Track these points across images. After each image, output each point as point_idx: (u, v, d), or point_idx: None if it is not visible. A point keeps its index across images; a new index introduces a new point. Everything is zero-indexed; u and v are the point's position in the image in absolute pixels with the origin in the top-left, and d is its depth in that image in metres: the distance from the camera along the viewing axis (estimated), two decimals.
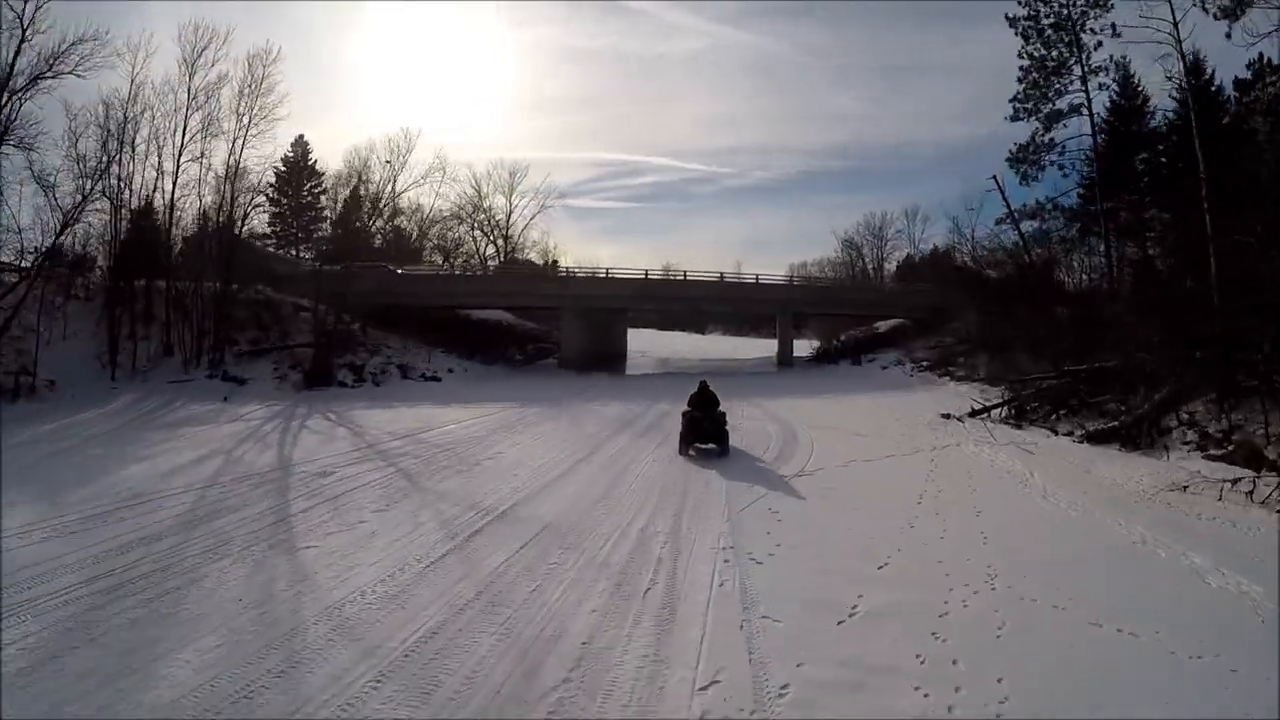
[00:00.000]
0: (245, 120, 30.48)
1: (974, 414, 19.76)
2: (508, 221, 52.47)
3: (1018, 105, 30.14)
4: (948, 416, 19.70)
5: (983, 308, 30.99)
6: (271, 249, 49.82)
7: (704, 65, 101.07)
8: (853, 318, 43.83)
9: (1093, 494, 11.25)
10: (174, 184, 29.67)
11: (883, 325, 42.80)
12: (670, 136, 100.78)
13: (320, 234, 56.73)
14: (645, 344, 62.18)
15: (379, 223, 56.42)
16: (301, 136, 57.40)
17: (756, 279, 38.90)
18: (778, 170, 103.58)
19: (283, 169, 56.29)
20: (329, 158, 55.26)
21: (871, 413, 21.08)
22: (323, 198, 56.88)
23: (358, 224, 53.50)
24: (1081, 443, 15.99)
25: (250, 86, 30.59)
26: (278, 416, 20.08)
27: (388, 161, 37.91)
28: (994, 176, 29.80)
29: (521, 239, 53.34)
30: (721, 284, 38.14)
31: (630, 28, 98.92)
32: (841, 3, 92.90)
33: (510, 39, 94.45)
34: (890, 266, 59.96)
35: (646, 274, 37.70)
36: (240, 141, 30.25)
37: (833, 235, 63.69)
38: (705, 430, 14.89)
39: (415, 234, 54.14)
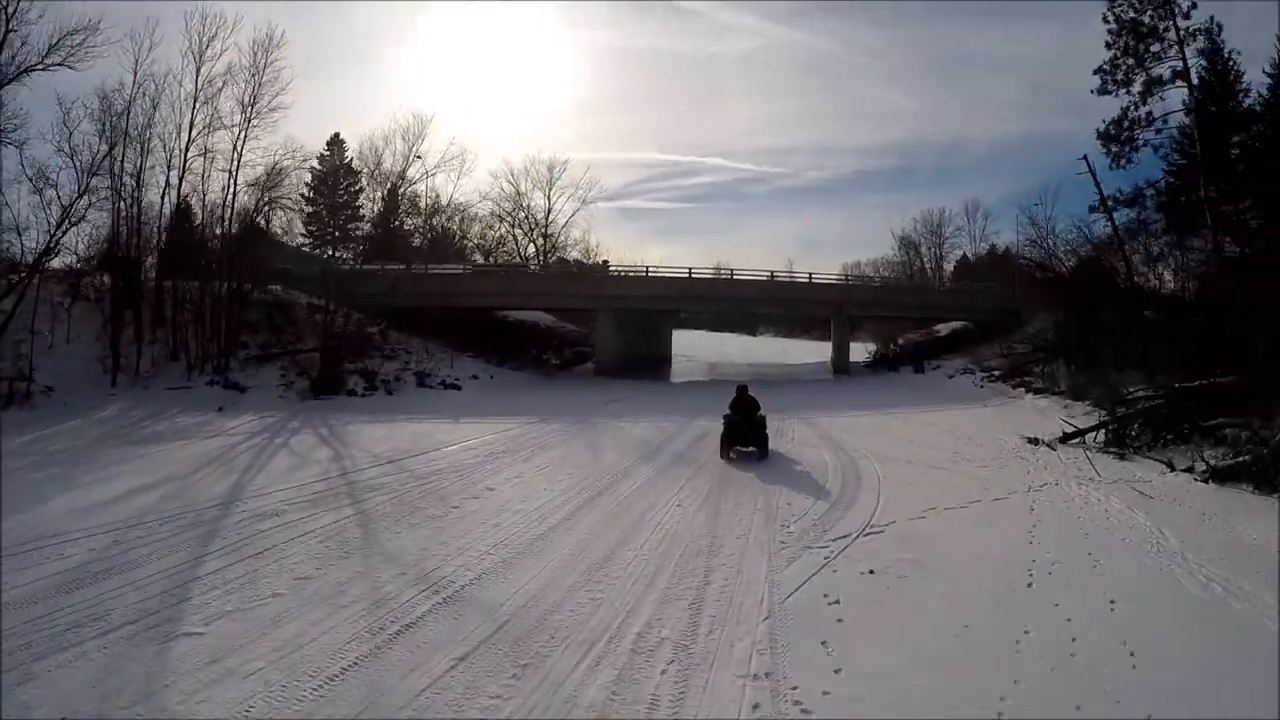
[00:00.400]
0: (249, 111, 28.70)
1: (1066, 439, 16.55)
2: (546, 219, 50.17)
3: (1105, 75, 26.49)
4: (1035, 441, 16.48)
5: (1063, 310, 27.51)
6: (307, 249, 48.56)
7: (756, 65, 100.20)
8: (911, 320, 40.58)
9: (1249, 564, 8.18)
10: (180, 179, 27.85)
11: (943, 328, 40.48)
12: (723, 137, 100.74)
13: (358, 233, 55.84)
14: (692, 346, 59.50)
15: (417, 220, 55.61)
16: (338, 135, 56.19)
17: (810, 278, 35.85)
18: (831, 170, 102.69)
19: (319, 168, 55.44)
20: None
21: (944, 435, 18.00)
22: (360, 196, 55.95)
23: (394, 223, 52.32)
24: (1205, 481, 12.77)
25: (254, 75, 28.75)
26: (265, 431, 17.94)
27: (418, 157, 36.00)
28: (1084, 157, 25.94)
29: (563, 237, 51.16)
30: (772, 284, 35.24)
31: (682, 28, 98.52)
32: (891, 1, 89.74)
33: (565, 40, 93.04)
34: (949, 266, 56.49)
35: (691, 273, 34.99)
36: (243, 132, 28.34)
37: (890, 233, 60.03)
38: (745, 434, 15.34)
39: (457, 234, 52.56)
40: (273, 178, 29.69)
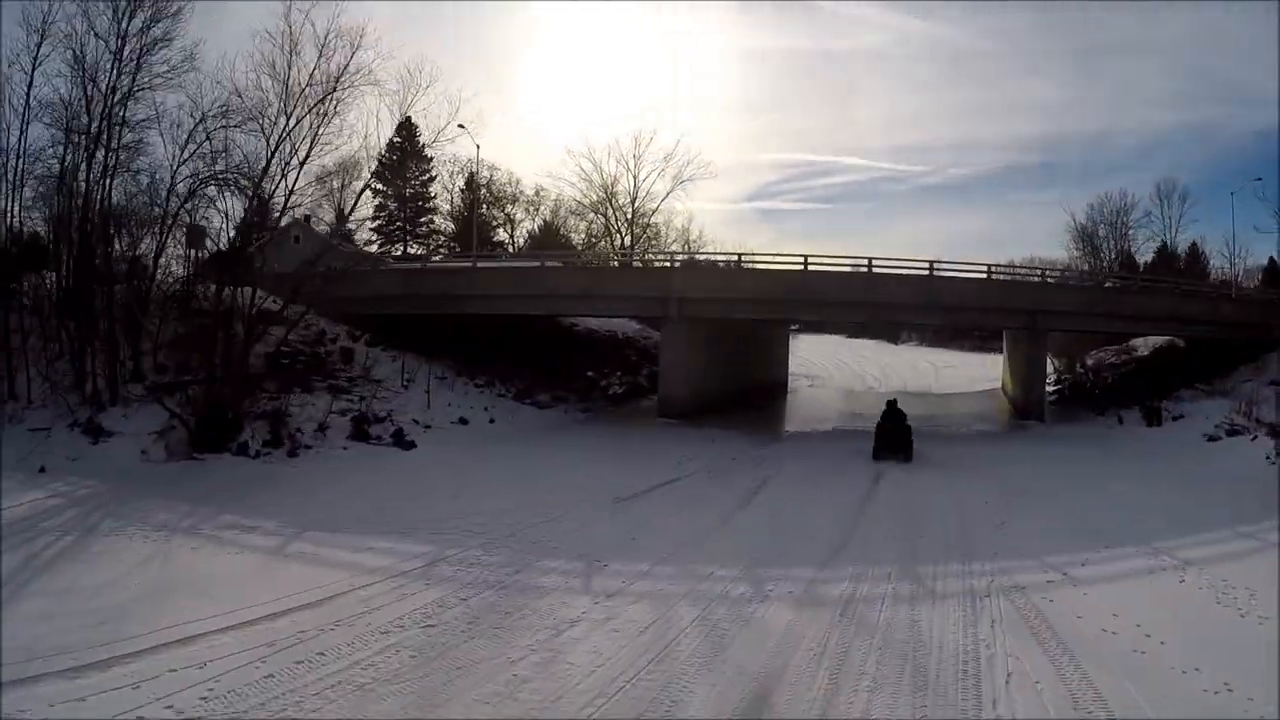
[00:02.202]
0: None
1: None
2: (633, 203, 40.07)
3: None
4: None
5: None
6: (374, 246, 41.18)
7: (888, 59, 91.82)
8: (1099, 335, 28.60)
9: None
10: None
11: (1141, 345, 31.37)
12: (858, 135, 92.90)
13: (431, 226, 48.38)
14: (815, 361, 48.13)
15: (497, 211, 47.11)
16: (409, 119, 48.55)
17: (989, 273, 24.05)
18: (974, 165, 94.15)
19: (389, 156, 48.31)
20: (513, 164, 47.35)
21: None
22: (433, 186, 48.41)
23: (465, 214, 43.89)
24: None
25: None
26: None
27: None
28: None
29: (663, 229, 41.16)
30: (931, 282, 23.34)
31: (810, 25, 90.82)
32: None
33: (693, 43, 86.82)
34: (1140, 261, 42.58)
35: (807, 263, 23.02)
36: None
37: (1069, 217, 46.13)
38: (895, 442, 17.44)
39: (550, 227, 45.13)
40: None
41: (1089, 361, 34.40)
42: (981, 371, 46.63)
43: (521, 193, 46.39)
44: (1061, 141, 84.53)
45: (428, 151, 48.01)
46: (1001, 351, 61.43)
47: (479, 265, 26.07)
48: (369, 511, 11.81)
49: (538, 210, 46.32)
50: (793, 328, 60.87)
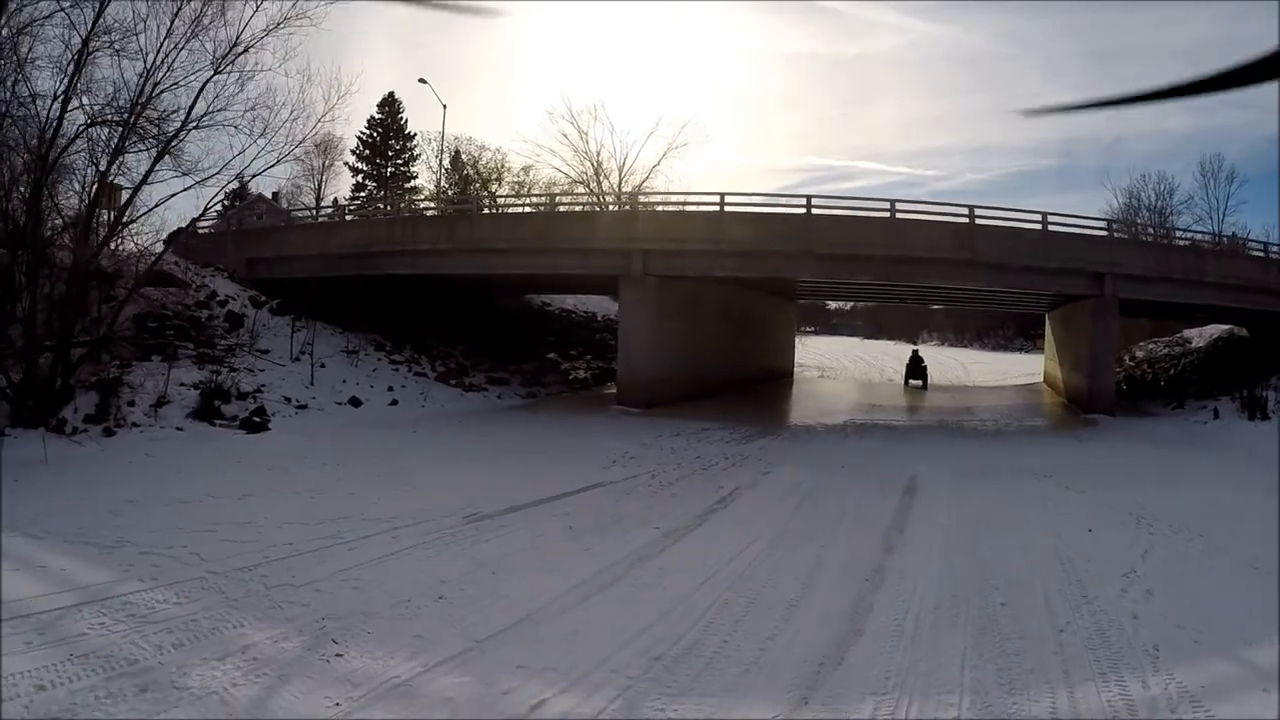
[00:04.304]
0: None
1: None
2: (621, 171, 34.92)
3: None
4: None
5: None
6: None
7: (903, 63, 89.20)
8: (1169, 311, 24.70)
9: None
10: None
11: (1194, 335, 28.48)
12: (874, 139, 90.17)
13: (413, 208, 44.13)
14: (828, 354, 42.90)
15: (483, 191, 42.19)
16: (392, 94, 45.23)
17: (1044, 222, 18.40)
18: (991, 171, 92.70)
19: (368, 133, 44.35)
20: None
21: None
22: (413, 165, 44.88)
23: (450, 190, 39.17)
24: None
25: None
26: None
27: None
28: None
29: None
30: (971, 231, 17.54)
31: (824, 28, 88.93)
32: None
33: (706, 44, 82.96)
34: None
35: (810, 206, 17.56)
36: None
37: (1106, 201, 41.22)
38: (916, 372, 28.71)
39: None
40: None
41: (1138, 354, 29.63)
42: (1012, 367, 41.72)
43: (508, 169, 41.76)
44: (1078, 146, 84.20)
45: (410, 129, 44.57)
46: (1026, 352, 58.76)
47: (403, 216, 20.80)
48: (94, 517, 7.18)
49: (529, 190, 42.01)
50: (804, 329, 57.00)
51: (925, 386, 28.18)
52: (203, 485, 8.80)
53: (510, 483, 9.47)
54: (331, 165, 44.41)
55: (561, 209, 21.72)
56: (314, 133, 23.23)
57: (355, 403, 15.68)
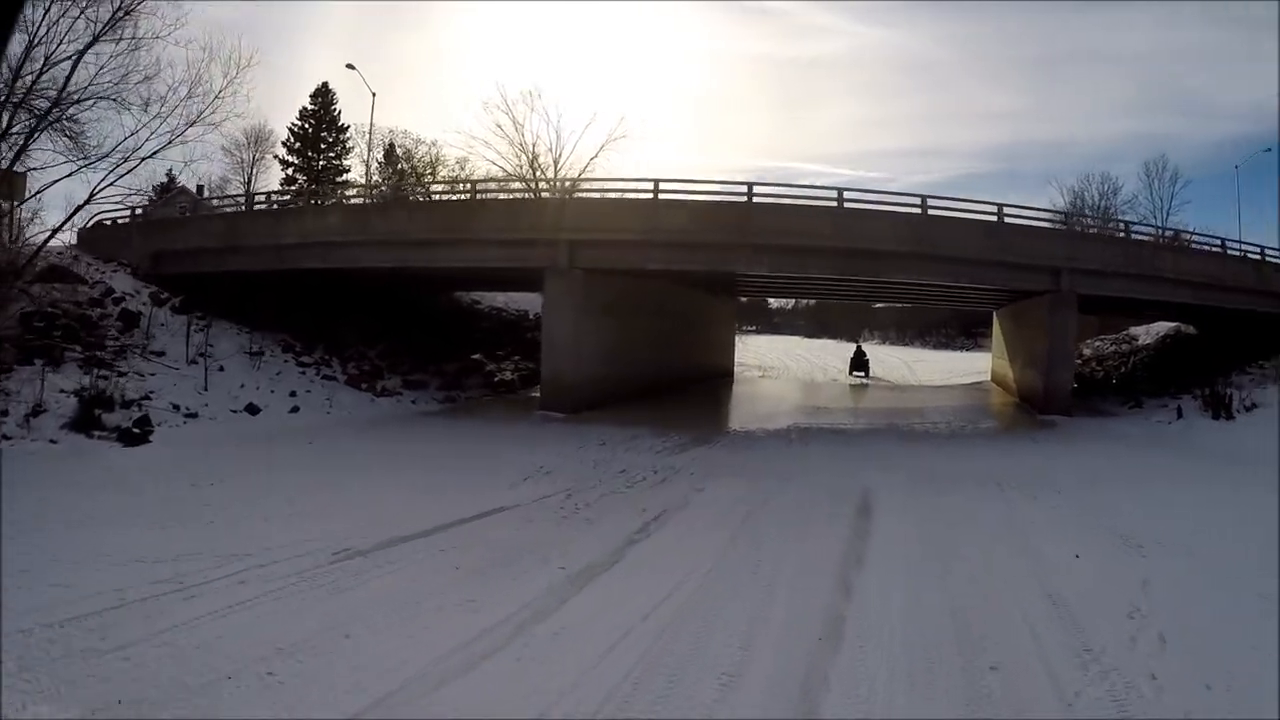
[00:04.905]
0: None
1: None
2: (556, 165, 33.25)
3: None
4: None
5: None
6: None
7: (850, 66, 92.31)
8: (1123, 307, 23.65)
9: None
10: None
11: (1143, 333, 28.31)
12: (820, 141, 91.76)
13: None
14: (769, 353, 41.97)
15: (419, 186, 40.19)
16: (326, 85, 43.03)
17: (1000, 215, 17.36)
18: (937, 173, 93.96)
19: (300, 124, 41.78)
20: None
21: None
22: (347, 158, 41.90)
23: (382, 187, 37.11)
24: None
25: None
26: None
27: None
28: None
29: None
30: (924, 223, 16.30)
31: (770, 29, 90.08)
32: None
33: (651, 44, 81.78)
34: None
35: (751, 192, 16.20)
36: None
37: (1051, 184, 41.58)
38: (859, 364, 31.17)
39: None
40: None
41: (1085, 351, 29.33)
42: (957, 365, 41.27)
43: (443, 163, 39.83)
44: (1022, 150, 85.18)
45: (343, 120, 42.49)
46: (968, 350, 58.59)
47: (315, 206, 18.98)
48: None
49: (471, 188, 40.11)
50: (746, 328, 56.40)
51: (868, 376, 31.11)
52: (37, 509, 7.19)
53: (400, 507, 8.00)
54: (263, 159, 42.54)
55: (485, 198, 19.99)
56: (211, 109, 21.32)
57: (252, 410, 13.95)
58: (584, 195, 20.47)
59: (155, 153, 24.49)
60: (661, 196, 15.93)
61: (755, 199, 16.08)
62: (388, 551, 6.53)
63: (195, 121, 23.87)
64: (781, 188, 17.48)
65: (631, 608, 5.39)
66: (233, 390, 14.40)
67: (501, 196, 21.26)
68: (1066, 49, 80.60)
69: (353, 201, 23.75)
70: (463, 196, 20.90)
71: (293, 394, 15.18)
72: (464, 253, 16.51)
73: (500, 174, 32.57)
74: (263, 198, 23.71)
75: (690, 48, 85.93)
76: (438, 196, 20.96)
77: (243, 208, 20.99)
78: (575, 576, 6.06)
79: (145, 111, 21.24)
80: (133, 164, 23.57)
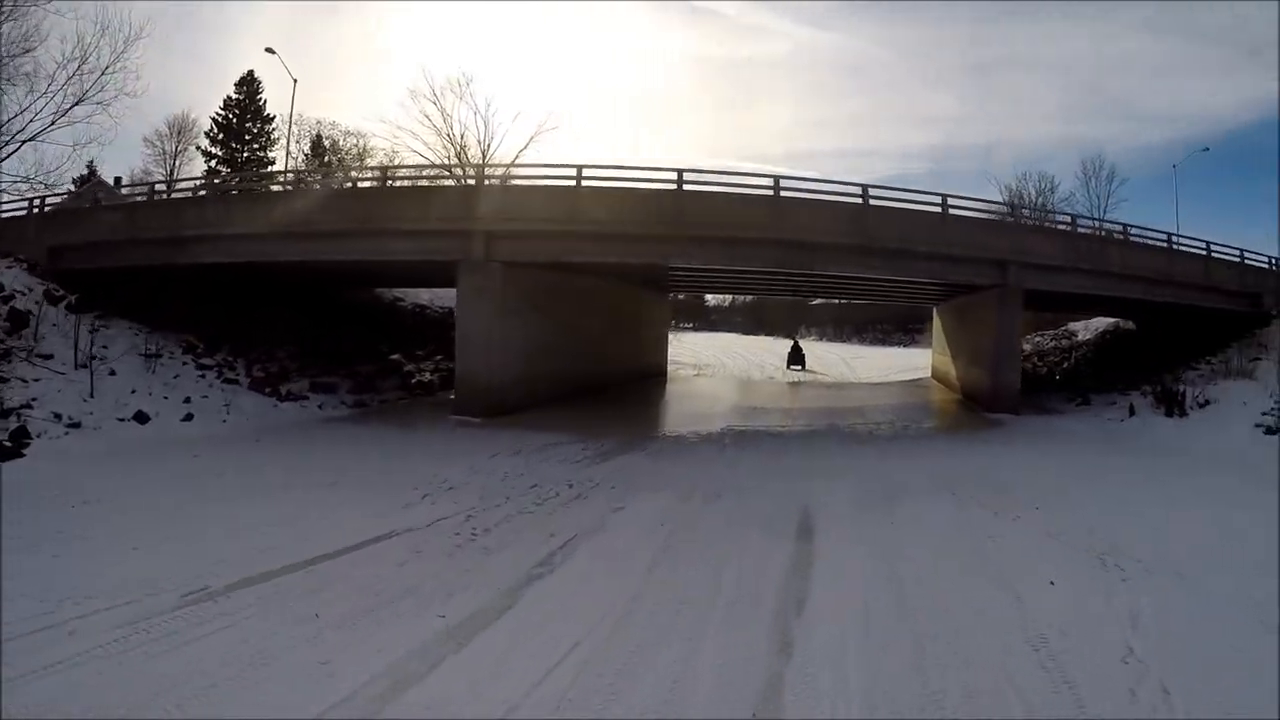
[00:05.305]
0: None
1: None
2: (484, 155, 32.02)
3: None
4: None
5: None
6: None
7: (789, 68, 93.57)
8: (1068, 303, 23.96)
9: None
10: None
11: (1082, 329, 28.50)
12: (756, 141, 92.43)
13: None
14: (705, 350, 41.28)
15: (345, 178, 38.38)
16: (251, 73, 41.81)
17: (944, 206, 16.78)
18: (871, 173, 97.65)
19: (224, 114, 40.58)
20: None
21: None
22: (272, 150, 40.94)
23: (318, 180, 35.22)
24: None
25: None
26: None
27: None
28: None
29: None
30: (865, 214, 15.49)
31: (709, 30, 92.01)
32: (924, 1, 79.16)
33: (586, 43, 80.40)
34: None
35: (681, 179, 14.96)
36: None
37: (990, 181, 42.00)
38: (796, 358, 34.17)
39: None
40: None
41: (1025, 347, 29.08)
42: (895, 361, 41.06)
43: (370, 154, 38.50)
44: (955, 152, 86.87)
45: (269, 111, 40.93)
46: (905, 346, 58.91)
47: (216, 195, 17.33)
48: None
49: (382, 174, 38.47)
50: (681, 326, 55.62)
51: (804, 369, 33.81)
52: None
53: (275, 532, 6.77)
54: (185, 150, 40.43)
55: (396, 184, 18.44)
56: (97, 87, 19.49)
57: (141, 419, 12.30)
58: (500, 182, 18.98)
59: (36, 135, 22.52)
60: (585, 184, 14.70)
61: (686, 186, 14.96)
62: (245, 593, 5.33)
63: (82, 99, 21.91)
64: (715, 174, 15.99)
65: (521, 674, 4.22)
66: (121, 397, 12.76)
67: (422, 184, 19.64)
68: (1001, 55, 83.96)
69: (261, 191, 22.01)
70: (372, 184, 19.34)
71: (187, 400, 13.57)
72: (374, 244, 15.04)
73: (429, 166, 31.16)
74: (163, 186, 21.84)
75: (629, 47, 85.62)
76: (351, 185, 19.29)
77: (145, 198, 19.15)
78: (457, 628, 4.85)
79: (31, 91, 19.36)
80: (13, 147, 21.57)
